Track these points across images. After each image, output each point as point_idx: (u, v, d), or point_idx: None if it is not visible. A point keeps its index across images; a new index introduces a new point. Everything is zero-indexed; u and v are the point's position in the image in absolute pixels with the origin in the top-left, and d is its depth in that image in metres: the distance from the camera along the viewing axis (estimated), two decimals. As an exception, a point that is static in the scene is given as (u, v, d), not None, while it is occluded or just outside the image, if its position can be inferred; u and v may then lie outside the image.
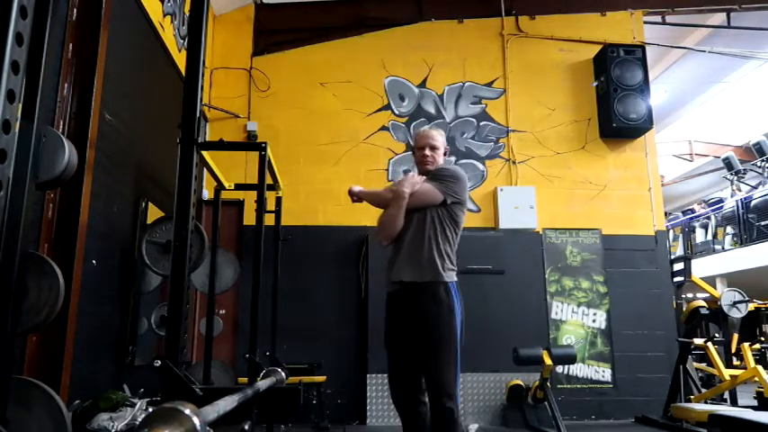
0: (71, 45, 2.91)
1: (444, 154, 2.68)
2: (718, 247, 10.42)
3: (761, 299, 6.94)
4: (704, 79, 9.56)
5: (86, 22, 3.01)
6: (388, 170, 5.50)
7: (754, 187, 10.61)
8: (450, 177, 2.54)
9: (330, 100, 5.67)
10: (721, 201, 11.23)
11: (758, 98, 10.46)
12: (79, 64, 2.96)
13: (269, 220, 3.57)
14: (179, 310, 1.73)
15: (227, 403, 1.27)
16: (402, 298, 2.44)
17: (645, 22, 6.25)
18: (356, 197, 2.65)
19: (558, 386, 5.19)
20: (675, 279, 6.07)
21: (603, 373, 5.32)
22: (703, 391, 5.12)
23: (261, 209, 3.13)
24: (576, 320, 5.41)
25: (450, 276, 2.46)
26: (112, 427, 2.56)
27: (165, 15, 4.27)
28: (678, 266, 6.26)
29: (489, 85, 5.91)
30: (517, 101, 5.85)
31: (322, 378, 4.66)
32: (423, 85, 5.86)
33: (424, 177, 2.60)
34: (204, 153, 3.06)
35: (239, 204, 5.32)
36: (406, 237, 2.48)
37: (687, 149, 12.92)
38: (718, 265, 9.85)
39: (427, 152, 2.62)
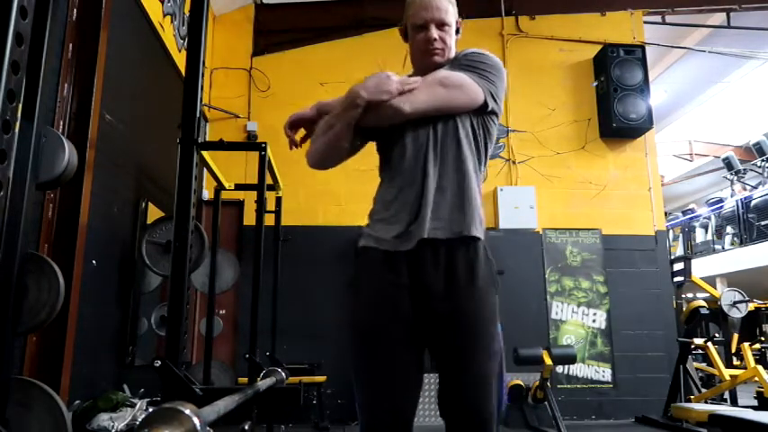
0: (71, 45, 2.91)
1: (457, 32, 1.58)
2: (718, 247, 10.42)
3: (761, 299, 6.94)
4: (704, 79, 9.56)
5: (86, 22, 3.01)
6: (388, 170, 5.49)
7: (755, 187, 10.61)
8: (490, 68, 1.50)
9: (330, 100, 5.67)
10: (721, 201, 11.23)
11: (758, 98, 10.46)
12: (79, 64, 2.96)
13: (269, 220, 3.57)
14: (179, 310, 1.73)
15: (227, 403, 1.27)
16: (422, 263, 1.39)
17: (645, 22, 6.25)
18: (307, 124, 1.62)
19: (558, 386, 5.19)
20: (675, 279, 6.07)
21: (603, 373, 5.32)
22: (703, 391, 5.12)
23: (261, 209, 3.13)
24: (576, 320, 5.41)
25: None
26: (112, 427, 2.56)
27: (165, 15, 4.27)
28: (678, 266, 6.26)
29: (489, 85, 5.91)
30: (517, 101, 5.85)
31: (322, 378, 4.66)
32: (423, 85, 5.85)
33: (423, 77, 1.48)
34: (204, 153, 3.06)
35: (239, 204, 5.32)
36: (429, 163, 1.44)
37: (687, 149, 12.92)
38: (718, 265, 9.85)
39: (434, 33, 1.51)
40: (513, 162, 5.73)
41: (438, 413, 1.42)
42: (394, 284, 1.40)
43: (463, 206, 1.43)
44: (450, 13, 1.54)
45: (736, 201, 10.08)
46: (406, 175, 1.46)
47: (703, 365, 6.89)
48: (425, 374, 1.46)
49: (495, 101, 1.51)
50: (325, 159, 1.54)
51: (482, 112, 1.50)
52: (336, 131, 1.47)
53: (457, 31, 1.58)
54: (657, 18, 6.49)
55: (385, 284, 1.41)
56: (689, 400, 4.73)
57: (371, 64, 5.82)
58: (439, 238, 1.40)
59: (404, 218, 1.43)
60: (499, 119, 1.57)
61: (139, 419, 2.39)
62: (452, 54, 1.56)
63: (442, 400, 1.40)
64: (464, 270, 1.40)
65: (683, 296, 7.50)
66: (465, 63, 1.50)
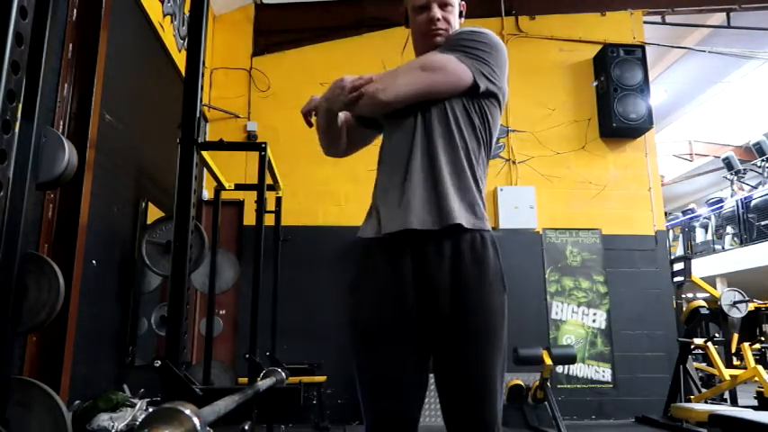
0: (71, 45, 2.91)
1: (460, 15, 1.52)
2: (718, 247, 10.42)
3: (761, 299, 6.94)
4: (704, 79, 9.56)
5: (86, 22, 3.01)
6: (388, 170, 5.50)
7: (755, 187, 10.61)
8: (482, 45, 1.39)
9: (330, 100, 5.67)
10: (721, 201, 11.24)
11: (758, 98, 10.47)
12: (79, 64, 2.96)
13: (269, 220, 3.57)
14: (179, 310, 1.73)
15: (227, 403, 1.27)
16: (425, 257, 1.31)
17: (645, 22, 6.25)
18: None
19: (558, 386, 5.19)
20: (675, 279, 6.08)
21: (603, 373, 5.32)
22: (703, 391, 5.12)
23: (261, 209, 3.13)
24: (576, 320, 5.41)
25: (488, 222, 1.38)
26: (112, 427, 2.56)
27: (165, 15, 4.27)
28: (678, 266, 6.26)
29: (489, 85, 5.90)
30: (517, 101, 5.84)
31: (322, 378, 4.66)
32: (423, 85, 5.85)
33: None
34: (204, 153, 3.06)
35: (239, 204, 5.32)
36: (416, 151, 1.36)
37: (687, 149, 12.92)
38: (718, 265, 9.85)
39: (436, 12, 1.44)
40: (513, 162, 5.73)
41: (440, 413, 1.35)
42: (396, 279, 1.31)
43: (456, 195, 1.33)
44: None
45: (736, 201, 10.08)
46: (394, 164, 1.40)
47: (703, 365, 6.90)
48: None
49: (490, 80, 1.39)
50: (327, 150, 1.58)
51: (475, 95, 1.38)
52: (321, 132, 1.52)
53: (460, 15, 1.51)
54: (657, 18, 6.49)
55: (387, 280, 1.33)
56: (689, 400, 4.73)
57: (371, 64, 5.82)
58: (430, 229, 1.30)
59: (394, 208, 1.35)
60: (501, 100, 1.44)
61: (139, 419, 2.39)
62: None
63: (445, 403, 1.32)
64: (471, 265, 1.30)
65: (683, 296, 7.50)
66: (453, 43, 1.40)
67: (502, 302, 1.34)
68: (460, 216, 1.31)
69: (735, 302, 6.04)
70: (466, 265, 1.31)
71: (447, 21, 1.45)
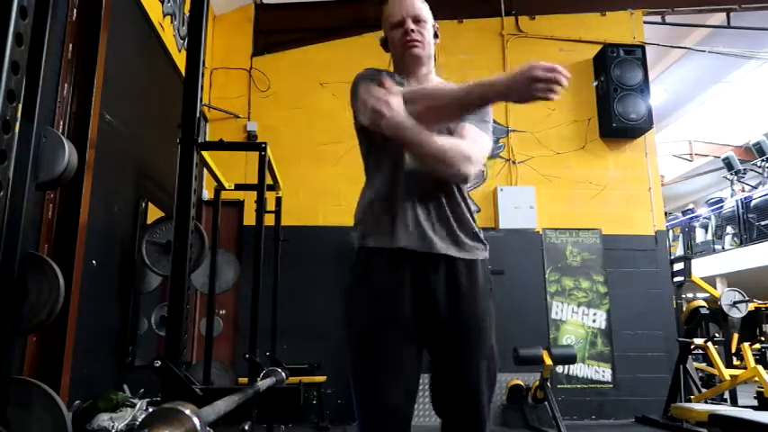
0: (71, 45, 2.91)
1: (435, 36, 1.67)
2: (718, 247, 10.42)
3: (761, 299, 6.95)
4: (704, 79, 9.55)
5: (86, 22, 3.01)
6: (388, 170, 5.49)
7: (755, 187, 10.61)
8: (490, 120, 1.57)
9: (330, 100, 5.67)
10: (721, 201, 11.24)
11: (758, 98, 10.46)
12: (79, 64, 2.96)
13: (269, 220, 3.57)
14: (179, 310, 1.73)
15: (227, 404, 1.27)
16: (423, 267, 1.41)
17: (645, 22, 6.25)
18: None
19: (558, 386, 5.19)
20: (675, 279, 6.08)
21: (603, 373, 5.32)
22: (703, 391, 5.12)
23: (261, 209, 3.13)
24: (576, 320, 5.41)
25: None
26: (112, 427, 2.56)
27: (165, 15, 4.27)
28: (678, 266, 6.27)
29: (489, 85, 5.90)
30: (517, 101, 5.84)
31: (322, 378, 4.66)
32: (423, 85, 5.84)
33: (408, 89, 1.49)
34: (204, 153, 3.06)
35: (239, 204, 5.32)
36: (411, 173, 1.47)
37: (687, 149, 12.92)
38: (718, 265, 9.85)
39: (411, 25, 1.56)
40: (513, 162, 5.73)
41: (435, 413, 1.46)
42: (395, 282, 1.40)
43: (464, 225, 1.46)
44: (426, 11, 1.61)
45: (736, 201, 10.08)
46: (389, 185, 1.49)
47: (703, 365, 6.90)
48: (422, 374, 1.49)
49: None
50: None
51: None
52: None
53: (435, 36, 1.64)
54: (657, 18, 6.49)
55: (385, 281, 1.41)
56: (689, 400, 4.73)
57: (371, 64, 5.81)
58: (453, 256, 1.42)
59: (386, 226, 1.44)
60: None
61: (139, 419, 2.39)
62: (431, 52, 1.62)
63: (439, 393, 1.44)
64: (465, 278, 1.43)
65: (683, 296, 7.50)
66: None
67: (488, 305, 1.46)
68: (471, 248, 1.46)
69: (735, 302, 6.04)
70: (460, 272, 1.43)
71: (421, 34, 1.58)
